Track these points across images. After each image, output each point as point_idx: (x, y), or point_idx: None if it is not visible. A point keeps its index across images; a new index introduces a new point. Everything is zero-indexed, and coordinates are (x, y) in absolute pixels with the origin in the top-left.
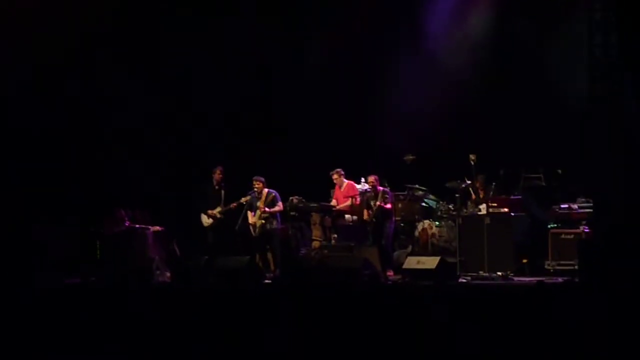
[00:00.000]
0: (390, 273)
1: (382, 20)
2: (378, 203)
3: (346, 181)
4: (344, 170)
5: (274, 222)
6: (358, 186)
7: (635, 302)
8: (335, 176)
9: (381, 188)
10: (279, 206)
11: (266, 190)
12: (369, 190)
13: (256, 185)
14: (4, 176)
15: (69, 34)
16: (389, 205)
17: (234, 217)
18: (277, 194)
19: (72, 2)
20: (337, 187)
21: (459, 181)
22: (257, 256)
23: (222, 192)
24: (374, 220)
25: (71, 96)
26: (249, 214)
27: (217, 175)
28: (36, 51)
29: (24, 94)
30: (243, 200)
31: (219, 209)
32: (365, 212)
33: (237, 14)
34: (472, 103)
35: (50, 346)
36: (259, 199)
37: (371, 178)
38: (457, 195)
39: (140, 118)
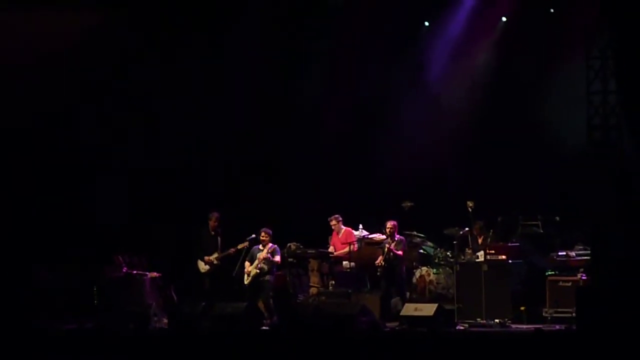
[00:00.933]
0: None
1: (383, 62)
2: (389, 247)
3: (344, 227)
4: (341, 217)
5: (268, 276)
6: (356, 233)
7: (633, 349)
8: (333, 222)
9: (398, 236)
10: (278, 258)
11: (270, 244)
12: (367, 235)
13: (263, 237)
14: (5, 219)
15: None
16: (400, 252)
17: (231, 263)
18: (278, 249)
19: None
20: (334, 233)
21: (456, 228)
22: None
23: (219, 238)
24: (384, 265)
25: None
26: (247, 263)
27: (213, 221)
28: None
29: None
30: (240, 246)
31: (215, 255)
32: (380, 257)
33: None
34: (470, 150)
35: None
36: (261, 250)
37: (389, 224)
38: (454, 242)
39: (139, 163)
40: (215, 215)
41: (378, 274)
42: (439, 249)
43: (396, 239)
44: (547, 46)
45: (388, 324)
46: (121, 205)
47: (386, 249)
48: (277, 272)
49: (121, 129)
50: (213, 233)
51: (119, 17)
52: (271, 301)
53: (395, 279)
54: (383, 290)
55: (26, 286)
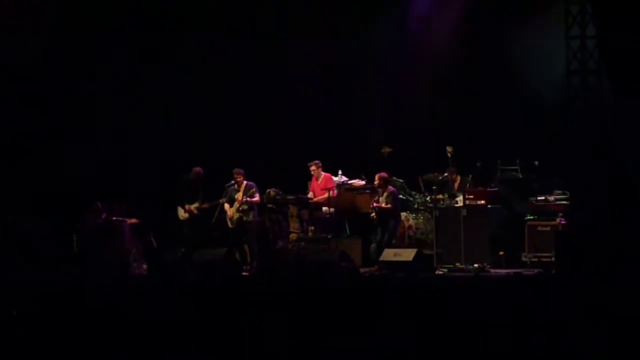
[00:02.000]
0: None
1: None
2: (374, 204)
3: (323, 173)
4: (321, 163)
5: (251, 215)
6: (335, 178)
7: (610, 293)
8: (313, 167)
9: (389, 188)
10: (257, 197)
11: (245, 182)
12: (346, 181)
13: (237, 178)
14: None
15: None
16: (388, 206)
17: (211, 210)
18: (256, 186)
19: None
20: (314, 178)
21: (435, 173)
22: (234, 249)
23: (200, 186)
24: (374, 217)
25: (51, 88)
26: (226, 206)
27: (195, 171)
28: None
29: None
30: (221, 200)
31: (196, 204)
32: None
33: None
34: (450, 95)
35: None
36: (237, 191)
37: (377, 176)
38: (433, 187)
39: (121, 109)
40: (197, 170)
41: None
42: (417, 195)
43: (387, 191)
44: None
45: (367, 269)
46: (101, 153)
47: (373, 205)
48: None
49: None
50: (195, 181)
51: None
52: (256, 246)
53: (388, 228)
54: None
55: (3, 237)
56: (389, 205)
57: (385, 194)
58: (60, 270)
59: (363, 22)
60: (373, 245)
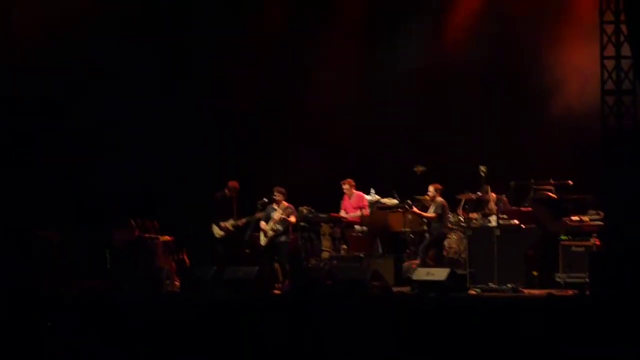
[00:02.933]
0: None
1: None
2: (413, 209)
3: (356, 192)
4: (354, 182)
5: (284, 236)
6: (367, 197)
7: None
8: (346, 186)
9: (439, 199)
10: (293, 218)
11: (285, 203)
12: (378, 200)
13: (277, 197)
14: (16, 183)
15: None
16: (431, 215)
17: (247, 226)
18: (294, 208)
19: None
20: (346, 197)
21: (469, 193)
22: (266, 267)
23: (234, 203)
24: (426, 228)
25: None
26: (262, 223)
27: (232, 186)
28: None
29: (37, 101)
30: (254, 217)
31: (231, 221)
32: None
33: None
34: (483, 114)
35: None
36: (275, 209)
37: (431, 187)
38: (467, 206)
39: (155, 126)
40: (233, 185)
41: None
42: (451, 214)
43: (436, 201)
44: (560, 11)
45: (400, 289)
46: (136, 170)
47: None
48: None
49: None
50: (229, 198)
51: None
52: (287, 265)
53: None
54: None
55: (37, 251)
56: (432, 215)
57: (433, 204)
58: (92, 286)
59: (394, 36)
60: (405, 264)
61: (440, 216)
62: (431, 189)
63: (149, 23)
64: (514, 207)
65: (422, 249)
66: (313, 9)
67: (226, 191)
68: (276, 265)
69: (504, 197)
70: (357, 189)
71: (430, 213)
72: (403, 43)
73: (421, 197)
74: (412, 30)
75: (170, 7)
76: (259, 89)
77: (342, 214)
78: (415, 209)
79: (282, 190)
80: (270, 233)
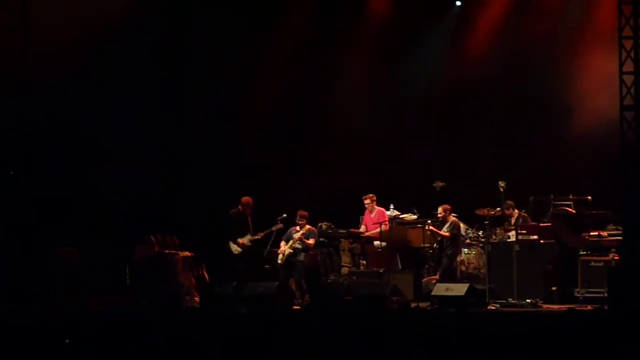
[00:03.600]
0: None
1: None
2: (429, 228)
3: (377, 208)
4: (375, 197)
5: (302, 255)
6: (387, 213)
7: None
8: (367, 201)
9: (452, 218)
10: (311, 241)
11: (308, 227)
12: (398, 215)
13: (300, 221)
14: (34, 197)
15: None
16: (446, 233)
17: (263, 244)
18: (315, 232)
19: None
20: (367, 212)
21: (488, 208)
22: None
23: (249, 219)
24: (435, 247)
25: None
26: (282, 242)
27: (243, 206)
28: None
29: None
30: (272, 229)
31: (248, 237)
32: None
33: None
34: (502, 130)
35: None
36: (298, 232)
37: (440, 208)
38: (486, 222)
39: (174, 143)
40: (246, 200)
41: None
42: (470, 229)
43: (449, 221)
44: (579, 28)
45: (420, 304)
46: (154, 185)
47: (427, 230)
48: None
49: (154, 111)
50: (244, 215)
51: None
52: (303, 282)
53: (442, 261)
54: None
55: (56, 267)
56: (447, 233)
57: (447, 223)
58: (113, 302)
59: (414, 50)
60: (425, 280)
61: (455, 236)
62: (440, 210)
63: (163, 31)
64: (533, 223)
65: (441, 273)
66: (335, 21)
67: (240, 207)
68: (292, 283)
69: (523, 213)
70: (377, 204)
71: (445, 232)
72: (423, 57)
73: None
74: (432, 44)
75: (186, 15)
76: (278, 104)
77: (363, 229)
78: (431, 227)
79: (305, 214)
80: (288, 252)
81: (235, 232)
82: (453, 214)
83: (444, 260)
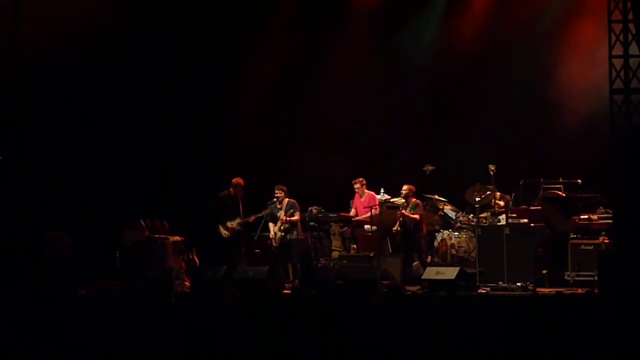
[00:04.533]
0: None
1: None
2: (402, 212)
3: (367, 192)
4: (365, 181)
5: (294, 233)
6: (377, 197)
7: None
8: (357, 185)
9: (413, 199)
10: (296, 217)
11: (287, 199)
12: (388, 199)
13: (278, 194)
14: (24, 183)
15: None
16: (416, 216)
17: (253, 228)
18: (297, 204)
19: None
20: (357, 196)
21: (478, 191)
22: (277, 266)
23: (240, 203)
24: (399, 230)
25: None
26: (270, 224)
27: (235, 187)
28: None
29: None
30: (263, 213)
31: (238, 220)
32: (397, 223)
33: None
34: (491, 113)
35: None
36: (279, 208)
37: (405, 187)
38: (476, 205)
39: (164, 126)
40: (237, 181)
41: (397, 239)
42: (460, 213)
43: (412, 202)
44: (568, 9)
45: (409, 288)
46: (145, 170)
47: (399, 214)
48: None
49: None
50: (235, 198)
51: None
52: (297, 263)
53: (414, 243)
54: (403, 256)
55: (46, 252)
56: (416, 215)
57: (411, 205)
58: (103, 286)
59: (404, 33)
60: (415, 264)
61: (421, 218)
62: (405, 188)
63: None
64: (523, 206)
65: (420, 258)
66: (325, 6)
67: (231, 190)
68: (288, 264)
69: (509, 198)
70: (367, 188)
71: (415, 215)
72: (413, 41)
73: (431, 196)
74: (421, 28)
75: (178, 5)
76: (268, 89)
77: (353, 213)
78: (404, 212)
79: (283, 187)
80: (279, 234)
81: (226, 215)
82: (442, 199)
83: (416, 243)
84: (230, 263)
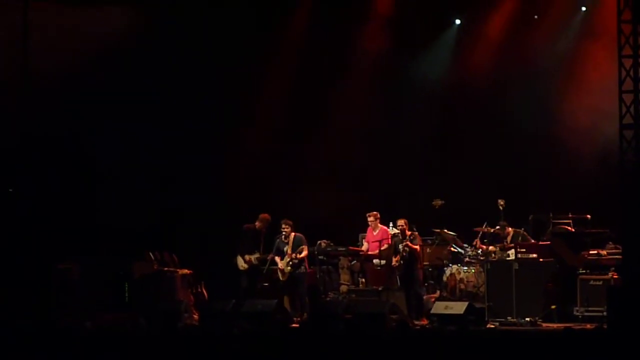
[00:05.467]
0: (424, 321)
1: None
2: (406, 243)
3: (380, 226)
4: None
5: (302, 267)
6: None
7: None
8: (371, 218)
9: (409, 232)
10: (304, 253)
11: (293, 234)
12: (397, 234)
13: (284, 228)
14: (32, 214)
15: None
16: (416, 246)
17: (261, 261)
18: (303, 238)
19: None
20: (369, 229)
21: (487, 226)
22: (285, 300)
23: (262, 238)
24: (401, 263)
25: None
26: (277, 258)
27: (262, 220)
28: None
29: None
30: (269, 257)
31: (257, 255)
32: (393, 258)
33: None
34: (501, 148)
35: None
36: (286, 243)
37: (401, 221)
38: (485, 240)
39: (174, 160)
40: (264, 217)
41: (397, 273)
42: (469, 247)
43: (407, 234)
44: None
45: (418, 322)
46: (152, 203)
47: (402, 249)
48: (309, 268)
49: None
50: (258, 232)
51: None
52: (306, 297)
53: (413, 275)
54: (405, 291)
55: (56, 283)
56: (416, 247)
57: (409, 237)
58: (111, 319)
59: (412, 64)
60: (425, 298)
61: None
62: (401, 222)
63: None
64: (532, 241)
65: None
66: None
67: (257, 224)
68: (296, 298)
69: (523, 231)
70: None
71: (416, 246)
72: (422, 72)
73: (440, 231)
74: (432, 59)
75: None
76: (278, 118)
77: (365, 246)
78: (409, 243)
79: (289, 222)
80: (288, 268)
81: (246, 247)
82: (452, 233)
83: (414, 274)
84: (243, 296)
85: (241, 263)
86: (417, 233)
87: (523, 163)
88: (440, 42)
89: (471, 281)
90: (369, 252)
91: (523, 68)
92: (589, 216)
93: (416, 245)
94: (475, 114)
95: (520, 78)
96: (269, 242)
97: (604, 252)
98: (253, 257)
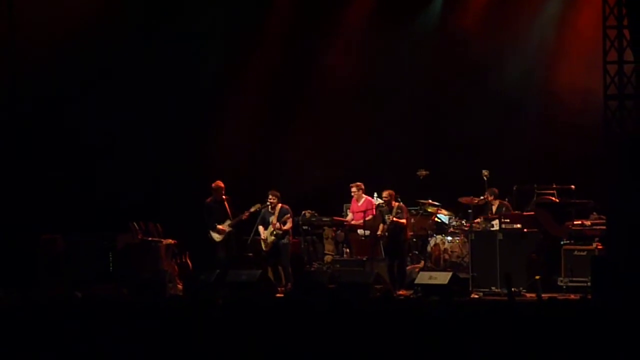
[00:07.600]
0: (404, 292)
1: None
2: (392, 217)
3: (365, 196)
4: (363, 185)
5: (286, 238)
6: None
7: None
8: (354, 189)
9: (396, 203)
10: (289, 225)
11: (280, 205)
12: (382, 205)
13: (271, 199)
14: (19, 186)
15: None
16: (403, 220)
17: (245, 230)
18: (290, 211)
19: None
20: (354, 200)
21: (471, 196)
22: (269, 270)
23: (226, 205)
24: (386, 234)
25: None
26: (261, 228)
27: (216, 186)
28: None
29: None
30: (253, 209)
31: (227, 222)
32: (380, 226)
33: None
34: (484, 118)
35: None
36: (272, 214)
37: (386, 193)
38: (469, 210)
39: (159, 130)
40: (215, 185)
41: (381, 243)
42: (453, 218)
43: (394, 205)
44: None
45: (403, 292)
46: (139, 173)
47: (388, 220)
48: (293, 238)
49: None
50: (219, 202)
51: None
52: (289, 267)
53: (399, 248)
54: (388, 261)
55: (40, 255)
56: (403, 220)
57: (395, 208)
58: (96, 289)
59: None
60: (408, 268)
61: (408, 222)
62: (385, 194)
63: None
64: (516, 212)
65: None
66: (321, 12)
67: (213, 192)
68: (280, 268)
69: (506, 202)
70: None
71: (403, 220)
72: (408, 45)
73: (424, 201)
74: (416, 33)
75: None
76: (262, 91)
77: (349, 217)
78: (394, 218)
79: (277, 193)
80: (271, 238)
81: (214, 220)
82: (436, 204)
83: (402, 246)
84: (223, 267)
85: (215, 236)
86: (404, 205)
87: (507, 134)
88: (425, 13)
89: (455, 251)
90: (353, 223)
91: (508, 40)
92: (573, 187)
93: (403, 219)
94: (460, 85)
95: (506, 49)
96: (238, 209)
97: (588, 223)
98: (225, 225)
